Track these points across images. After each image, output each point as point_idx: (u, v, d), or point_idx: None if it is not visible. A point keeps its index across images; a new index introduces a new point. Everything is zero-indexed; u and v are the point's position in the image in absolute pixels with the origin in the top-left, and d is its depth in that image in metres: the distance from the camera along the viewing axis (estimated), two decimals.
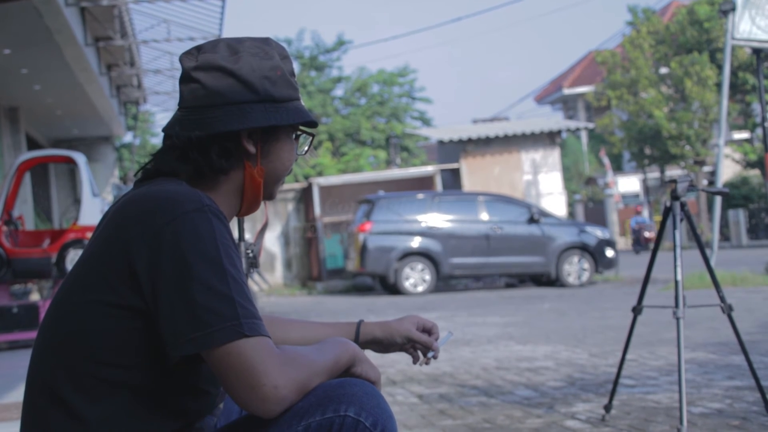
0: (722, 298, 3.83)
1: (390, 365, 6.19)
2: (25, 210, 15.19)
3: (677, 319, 3.65)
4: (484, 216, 15.36)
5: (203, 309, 1.42)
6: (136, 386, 1.49)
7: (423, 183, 19.60)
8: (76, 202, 15.81)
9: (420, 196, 15.71)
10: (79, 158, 10.71)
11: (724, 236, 26.86)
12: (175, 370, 1.51)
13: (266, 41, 1.68)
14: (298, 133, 1.71)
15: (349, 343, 1.66)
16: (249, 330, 1.43)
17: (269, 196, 1.71)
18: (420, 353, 2.01)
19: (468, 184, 19.41)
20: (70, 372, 1.50)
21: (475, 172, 19.63)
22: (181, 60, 1.65)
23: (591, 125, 22.99)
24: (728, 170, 30.42)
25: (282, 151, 1.67)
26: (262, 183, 1.66)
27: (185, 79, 1.63)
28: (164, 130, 1.64)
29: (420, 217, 15.28)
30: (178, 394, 1.54)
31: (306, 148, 1.77)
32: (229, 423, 1.60)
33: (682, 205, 3.75)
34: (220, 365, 1.43)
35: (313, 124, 1.71)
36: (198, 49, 1.65)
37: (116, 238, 1.50)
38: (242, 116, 1.60)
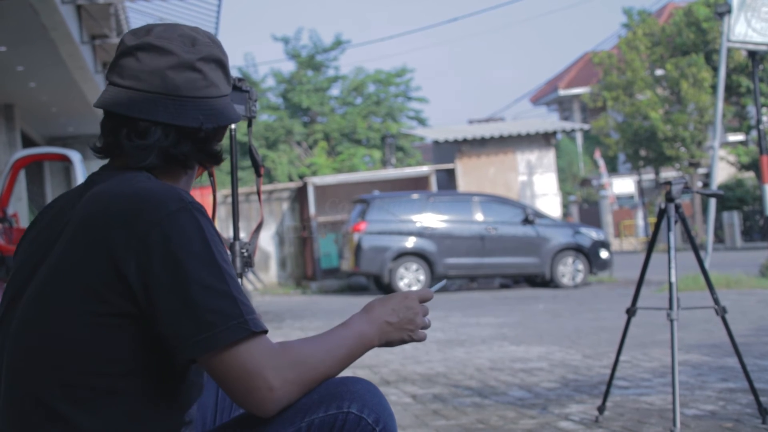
0: (716, 300, 3.84)
1: (383, 365, 6.20)
2: (19, 207, 15.17)
3: (671, 320, 3.66)
4: (479, 216, 15.36)
5: (205, 310, 1.40)
6: (132, 392, 1.46)
7: (418, 183, 19.60)
8: None
9: (415, 196, 15.70)
10: (74, 156, 10.70)
11: (719, 238, 26.89)
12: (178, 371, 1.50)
13: (208, 35, 1.65)
14: None
15: (365, 331, 1.62)
16: (254, 326, 1.43)
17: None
18: None
19: (463, 184, 19.42)
20: (64, 386, 1.44)
21: (470, 173, 19.64)
22: (172, 48, 1.56)
23: (586, 126, 23.01)
24: (723, 172, 30.50)
25: None
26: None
27: (183, 67, 1.56)
28: (142, 115, 1.53)
29: (415, 217, 15.28)
30: (172, 391, 1.53)
31: None
32: (233, 418, 1.59)
33: (677, 207, 3.75)
34: (221, 366, 1.42)
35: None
36: (191, 40, 1.58)
37: (96, 242, 1.44)
38: (231, 107, 1.63)
